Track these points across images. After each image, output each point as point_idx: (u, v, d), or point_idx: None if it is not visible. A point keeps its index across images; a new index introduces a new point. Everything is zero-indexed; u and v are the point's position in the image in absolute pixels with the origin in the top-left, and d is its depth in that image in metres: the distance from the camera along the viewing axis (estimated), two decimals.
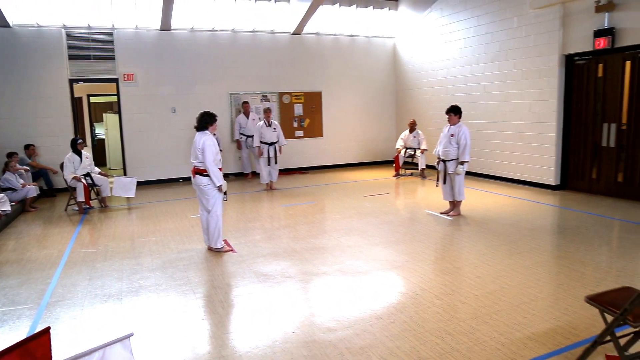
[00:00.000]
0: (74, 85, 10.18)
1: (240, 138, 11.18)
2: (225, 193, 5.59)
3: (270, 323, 3.68)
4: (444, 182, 7.09)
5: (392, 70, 13.30)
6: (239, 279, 4.69)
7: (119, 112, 10.65)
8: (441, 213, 7.17)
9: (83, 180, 7.98)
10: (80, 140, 8.37)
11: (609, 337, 2.74)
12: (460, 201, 7.09)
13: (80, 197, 7.95)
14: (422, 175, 10.81)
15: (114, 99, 11.31)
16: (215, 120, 5.51)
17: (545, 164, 8.83)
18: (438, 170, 7.22)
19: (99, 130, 14.68)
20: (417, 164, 10.97)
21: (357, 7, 12.19)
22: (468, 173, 7.94)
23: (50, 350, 1.97)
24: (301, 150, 12.36)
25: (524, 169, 9.28)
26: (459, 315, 3.73)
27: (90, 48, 10.06)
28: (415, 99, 12.52)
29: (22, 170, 8.58)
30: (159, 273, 4.92)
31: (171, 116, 10.90)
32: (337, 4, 11.90)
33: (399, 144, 11.25)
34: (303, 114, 12.32)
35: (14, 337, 3.54)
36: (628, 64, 7.54)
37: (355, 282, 4.52)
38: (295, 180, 10.96)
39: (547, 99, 8.61)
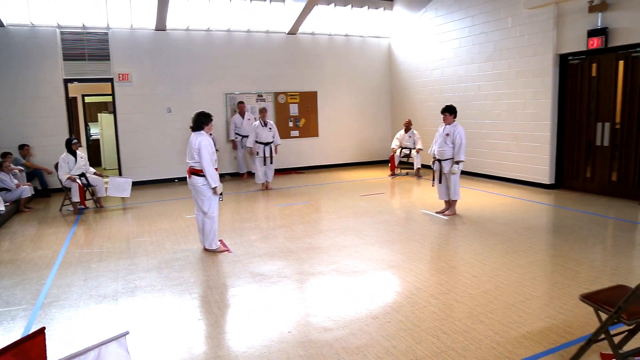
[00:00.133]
0: (69, 85, 10.14)
1: (236, 138, 11.16)
2: (221, 193, 5.58)
3: (266, 323, 3.68)
4: (440, 182, 7.10)
5: (387, 70, 13.32)
6: (234, 279, 4.68)
7: (114, 112, 10.61)
8: (437, 212, 7.19)
9: (78, 181, 7.95)
10: (75, 140, 8.34)
11: (603, 335, 2.75)
12: (456, 200, 7.11)
13: (75, 198, 7.91)
14: (418, 174, 10.83)
15: (109, 99, 11.27)
16: (211, 120, 5.50)
17: (540, 163, 8.87)
18: (433, 170, 7.23)
19: (94, 130, 14.61)
20: (412, 164, 11.00)
21: (352, 7, 12.21)
22: (463, 172, 7.97)
23: (45, 350, 1.96)
24: (297, 150, 12.36)
25: (519, 168, 9.32)
26: (454, 314, 3.74)
27: (85, 48, 10.02)
28: (410, 98, 12.54)
29: (17, 171, 8.53)
30: (155, 273, 4.90)
31: (166, 116, 10.87)
32: (332, 4, 11.91)
33: (395, 144, 11.27)
34: (298, 113, 12.32)
35: (9, 338, 3.52)
36: (621, 63, 7.59)
37: (351, 281, 4.53)
38: (291, 180, 10.96)
39: (542, 98, 8.65)
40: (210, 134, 5.59)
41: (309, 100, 12.39)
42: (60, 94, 9.91)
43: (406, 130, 11.15)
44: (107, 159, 13.68)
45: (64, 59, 9.87)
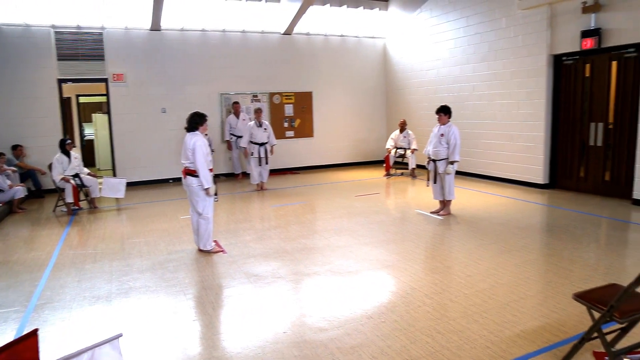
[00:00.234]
0: (63, 85, 10.08)
1: (231, 138, 11.14)
2: (216, 194, 5.57)
3: (261, 323, 3.68)
4: (434, 182, 7.12)
5: (382, 70, 13.34)
6: (229, 280, 4.68)
7: (108, 113, 10.57)
8: (431, 212, 7.21)
9: (72, 181, 7.91)
10: (69, 141, 8.30)
11: (596, 334, 2.77)
12: (451, 200, 7.13)
13: (69, 198, 7.88)
14: (413, 175, 10.85)
15: (103, 99, 11.21)
16: (206, 120, 5.49)
17: (534, 163, 8.91)
18: (428, 170, 7.25)
19: (88, 131, 14.55)
20: (407, 164, 11.01)
21: (347, 7, 12.21)
22: (458, 172, 7.99)
23: (38, 352, 1.96)
24: (292, 151, 12.35)
25: (513, 168, 9.36)
26: (449, 314, 3.75)
27: (79, 48, 9.97)
28: (405, 99, 12.57)
29: (10, 171, 8.48)
30: (149, 274, 4.89)
31: (161, 116, 10.84)
32: (328, 5, 11.91)
33: (390, 144, 11.29)
34: (294, 114, 12.32)
35: (1, 341, 3.50)
36: (614, 64, 7.64)
37: (346, 281, 4.53)
38: (286, 181, 10.95)
39: (536, 98, 8.69)
40: (206, 134, 5.58)
41: (304, 101, 12.39)
42: (54, 94, 9.86)
43: (401, 131, 11.18)
44: (101, 160, 13.63)
45: (58, 59, 9.81)
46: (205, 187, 5.34)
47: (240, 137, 10.40)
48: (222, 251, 5.59)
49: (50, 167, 8.20)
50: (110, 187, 8.43)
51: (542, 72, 8.52)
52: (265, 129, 9.53)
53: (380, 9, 12.68)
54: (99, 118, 13.60)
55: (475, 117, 10.08)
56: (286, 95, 12.17)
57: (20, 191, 8.20)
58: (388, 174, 11.20)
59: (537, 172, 8.87)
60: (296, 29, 11.82)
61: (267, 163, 9.60)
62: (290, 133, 12.33)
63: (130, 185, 9.60)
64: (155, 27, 10.41)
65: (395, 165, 11.30)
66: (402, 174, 11.30)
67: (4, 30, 9.37)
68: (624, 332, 2.93)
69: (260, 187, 9.75)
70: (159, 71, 10.71)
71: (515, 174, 9.34)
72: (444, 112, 6.92)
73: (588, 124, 8.15)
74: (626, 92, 7.47)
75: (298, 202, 8.49)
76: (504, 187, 9.22)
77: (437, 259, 5.23)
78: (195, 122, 5.39)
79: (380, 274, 4.74)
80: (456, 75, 10.54)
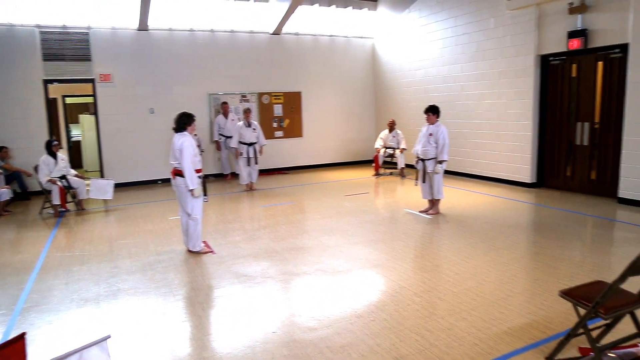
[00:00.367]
0: (49, 86, 9.97)
1: (220, 139, 11.10)
2: (205, 194, 5.54)
3: (250, 324, 3.67)
4: (423, 181, 7.16)
5: (371, 70, 13.38)
6: (219, 280, 4.66)
7: (95, 113, 10.47)
8: (420, 212, 7.24)
9: (59, 183, 7.83)
10: (55, 142, 8.20)
11: (582, 330, 2.81)
12: (439, 200, 7.17)
13: (56, 200, 7.79)
14: (402, 174, 10.90)
15: (90, 99, 11.11)
16: (194, 120, 5.47)
17: (521, 162, 9.00)
18: (417, 170, 7.29)
19: (75, 132, 14.41)
20: (396, 164, 11.06)
21: (336, 7, 12.22)
22: (446, 172, 8.04)
23: (26, 356, 1.94)
24: (281, 151, 12.34)
25: (501, 167, 9.44)
26: (437, 312, 3.78)
27: (66, 48, 9.86)
28: (394, 98, 12.62)
29: None
30: (138, 275, 4.85)
31: (149, 117, 10.76)
32: (316, 4, 11.91)
33: (379, 144, 11.33)
34: (283, 114, 12.31)
35: None
36: (600, 64, 7.74)
37: (336, 281, 4.54)
38: (275, 181, 10.94)
39: (524, 98, 8.78)
40: (195, 135, 5.56)
41: (293, 101, 12.39)
42: (39, 95, 9.73)
43: (390, 130, 11.22)
44: (88, 161, 13.49)
45: (44, 59, 9.69)
46: (190, 189, 5.30)
47: (229, 137, 10.36)
48: (211, 252, 5.57)
49: (36, 168, 8.11)
50: (98, 189, 8.35)
51: (529, 72, 8.61)
52: (254, 129, 9.51)
53: (369, 9, 12.70)
54: (85, 119, 13.46)
55: (464, 116, 10.15)
56: (275, 95, 12.15)
57: (5, 193, 8.09)
58: (377, 174, 11.24)
59: (525, 171, 8.96)
60: (285, 29, 11.81)
61: (256, 163, 9.58)
62: (279, 133, 12.31)
63: (118, 186, 9.53)
64: (143, 27, 10.33)
65: (385, 164, 11.35)
66: (391, 173, 11.35)
67: None
68: (608, 328, 2.98)
69: (250, 188, 9.73)
70: (147, 71, 10.64)
71: (503, 173, 9.43)
72: (433, 111, 6.96)
73: (575, 124, 8.25)
74: (612, 92, 7.58)
75: (287, 202, 8.49)
76: (492, 186, 9.30)
77: (426, 258, 5.26)
78: (183, 122, 5.37)
79: (369, 273, 4.76)
80: (445, 75, 10.61)
